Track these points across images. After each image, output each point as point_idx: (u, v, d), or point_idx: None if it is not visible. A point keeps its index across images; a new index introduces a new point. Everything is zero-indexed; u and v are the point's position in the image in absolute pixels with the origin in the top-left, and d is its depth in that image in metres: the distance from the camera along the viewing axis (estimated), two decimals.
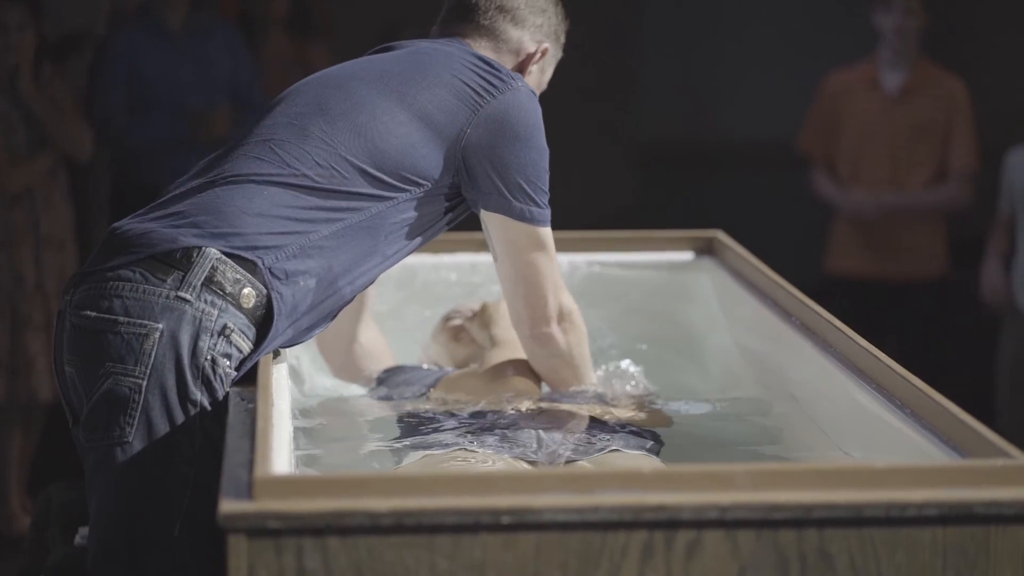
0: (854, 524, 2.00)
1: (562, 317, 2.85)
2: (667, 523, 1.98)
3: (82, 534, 2.95)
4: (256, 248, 2.51)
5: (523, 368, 2.97)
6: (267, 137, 2.62)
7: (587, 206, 6.06)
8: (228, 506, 1.94)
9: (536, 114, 2.71)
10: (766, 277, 3.25)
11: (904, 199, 5.62)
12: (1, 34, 5.01)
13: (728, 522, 1.99)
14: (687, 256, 3.71)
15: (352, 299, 2.68)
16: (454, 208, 2.74)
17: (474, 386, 2.99)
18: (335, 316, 2.68)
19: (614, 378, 3.13)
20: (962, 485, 2.03)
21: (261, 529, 1.93)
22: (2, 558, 4.85)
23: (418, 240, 2.71)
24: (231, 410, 2.38)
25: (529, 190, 2.71)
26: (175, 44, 5.71)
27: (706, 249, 3.70)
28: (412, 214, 2.66)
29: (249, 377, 2.50)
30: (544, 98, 2.87)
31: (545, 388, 2.97)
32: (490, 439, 2.66)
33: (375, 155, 2.61)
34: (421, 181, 2.65)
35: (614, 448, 2.64)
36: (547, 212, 2.75)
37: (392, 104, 2.65)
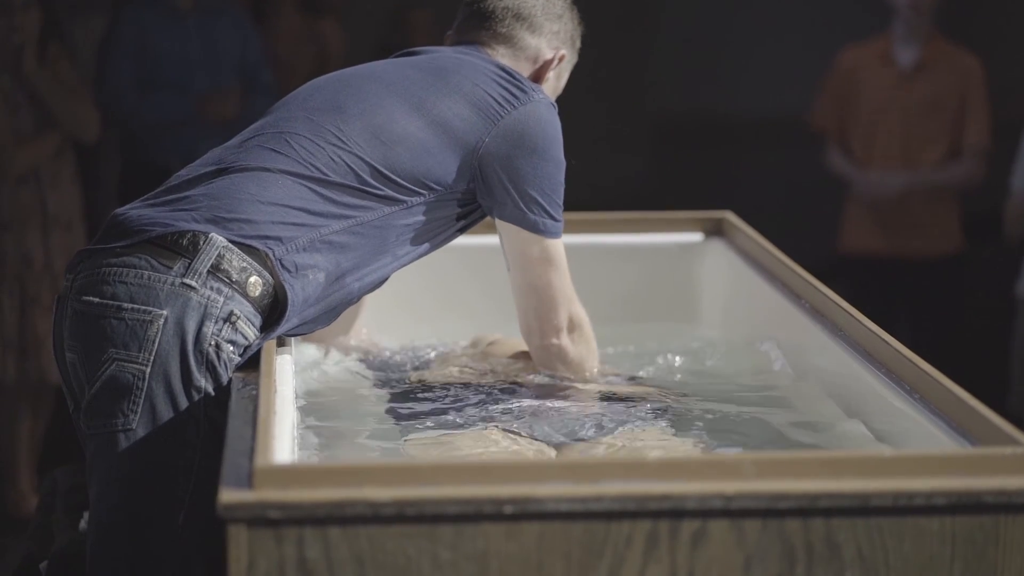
0: (861, 513, 1.97)
1: (572, 328, 2.86)
2: (672, 512, 1.96)
3: (87, 518, 2.94)
4: (267, 238, 2.49)
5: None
6: (282, 130, 2.62)
7: (595, 184, 6.04)
8: (228, 495, 1.93)
9: (555, 127, 2.72)
10: (775, 259, 3.23)
11: (917, 176, 5.59)
12: (5, 14, 4.99)
13: (733, 511, 1.97)
14: (696, 237, 3.69)
15: (360, 297, 2.68)
16: (468, 215, 2.74)
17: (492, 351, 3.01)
18: (340, 312, 2.67)
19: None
20: (971, 474, 2.00)
21: (261, 519, 1.92)
22: (12, 538, 4.85)
23: (430, 243, 2.71)
24: (233, 397, 2.37)
25: (544, 203, 2.72)
26: (184, 23, 5.69)
27: (715, 230, 3.67)
28: (425, 217, 2.66)
29: (252, 363, 2.49)
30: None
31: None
32: (504, 417, 2.65)
33: (389, 157, 2.60)
34: (435, 186, 2.64)
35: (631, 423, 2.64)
36: (560, 225, 2.76)
37: (410, 109, 2.64)
